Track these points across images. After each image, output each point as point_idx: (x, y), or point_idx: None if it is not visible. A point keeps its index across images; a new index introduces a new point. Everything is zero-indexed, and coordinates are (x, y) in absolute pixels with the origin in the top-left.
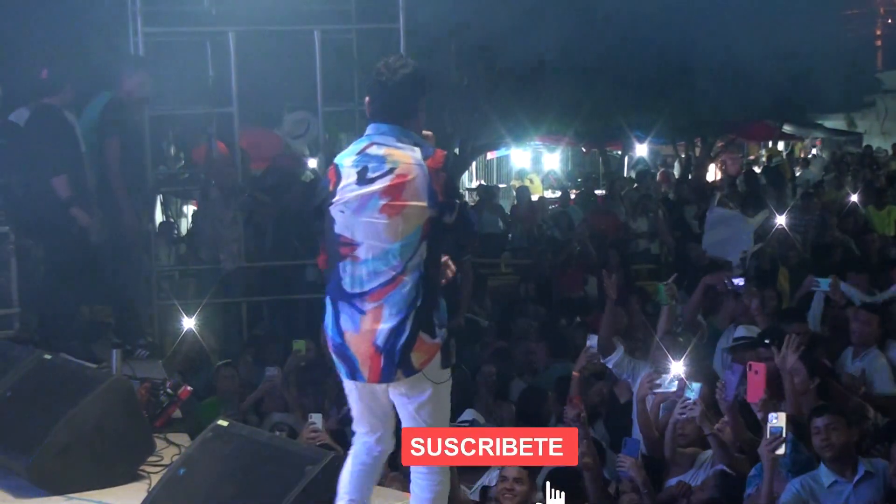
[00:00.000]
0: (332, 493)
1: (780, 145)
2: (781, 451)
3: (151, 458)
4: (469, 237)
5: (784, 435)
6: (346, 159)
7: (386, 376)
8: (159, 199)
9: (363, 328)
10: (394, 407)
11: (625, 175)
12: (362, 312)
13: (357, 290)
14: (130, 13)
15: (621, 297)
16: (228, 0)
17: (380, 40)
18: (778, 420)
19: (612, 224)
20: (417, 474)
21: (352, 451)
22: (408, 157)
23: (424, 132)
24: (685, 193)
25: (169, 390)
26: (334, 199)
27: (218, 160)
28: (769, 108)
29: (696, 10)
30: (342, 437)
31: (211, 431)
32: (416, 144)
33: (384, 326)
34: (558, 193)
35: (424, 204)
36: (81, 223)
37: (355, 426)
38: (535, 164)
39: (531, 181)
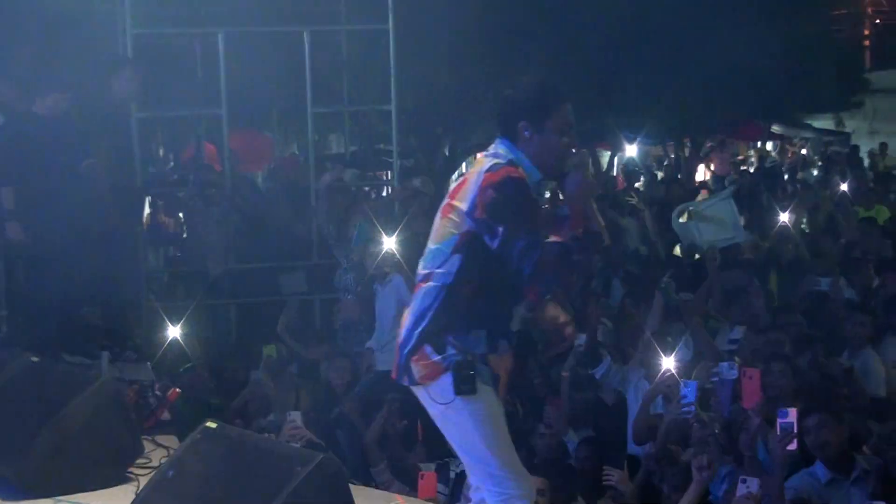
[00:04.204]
0: (321, 494)
1: (769, 145)
2: (794, 446)
3: (140, 461)
4: (516, 277)
5: (795, 431)
6: None
7: (399, 377)
8: (148, 200)
9: (402, 320)
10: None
11: (614, 174)
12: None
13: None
14: (119, 14)
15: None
16: (217, 1)
17: (369, 41)
18: (789, 416)
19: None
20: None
21: None
22: (482, 163)
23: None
24: (675, 194)
25: (157, 392)
26: None
27: (200, 162)
28: (758, 108)
29: (685, 10)
30: (332, 439)
31: (200, 433)
32: (509, 161)
33: (405, 327)
34: (548, 194)
35: (464, 209)
36: (11, 236)
37: None
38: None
39: None
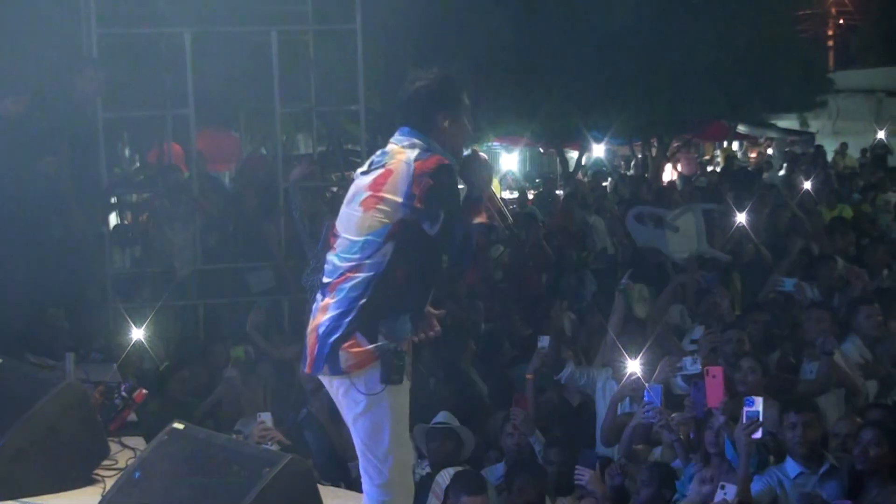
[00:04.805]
0: (290, 495)
1: (735, 145)
2: (758, 434)
3: (106, 462)
4: (456, 258)
5: (761, 419)
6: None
7: (316, 367)
8: (113, 201)
9: (316, 317)
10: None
11: (577, 175)
12: (321, 301)
13: (326, 281)
14: (84, 13)
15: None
16: (184, 0)
17: (336, 41)
18: (755, 405)
19: (573, 223)
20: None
21: None
22: (404, 154)
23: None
24: (641, 193)
25: (124, 393)
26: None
27: (165, 162)
28: (724, 108)
29: (650, 10)
30: (301, 440)
31: (166, 434)
32: (427, 150)
33: (327, 316)
34: (516, 194)
35: (399, 200)
36: None
37: None
38: (492, 164)
39: None
